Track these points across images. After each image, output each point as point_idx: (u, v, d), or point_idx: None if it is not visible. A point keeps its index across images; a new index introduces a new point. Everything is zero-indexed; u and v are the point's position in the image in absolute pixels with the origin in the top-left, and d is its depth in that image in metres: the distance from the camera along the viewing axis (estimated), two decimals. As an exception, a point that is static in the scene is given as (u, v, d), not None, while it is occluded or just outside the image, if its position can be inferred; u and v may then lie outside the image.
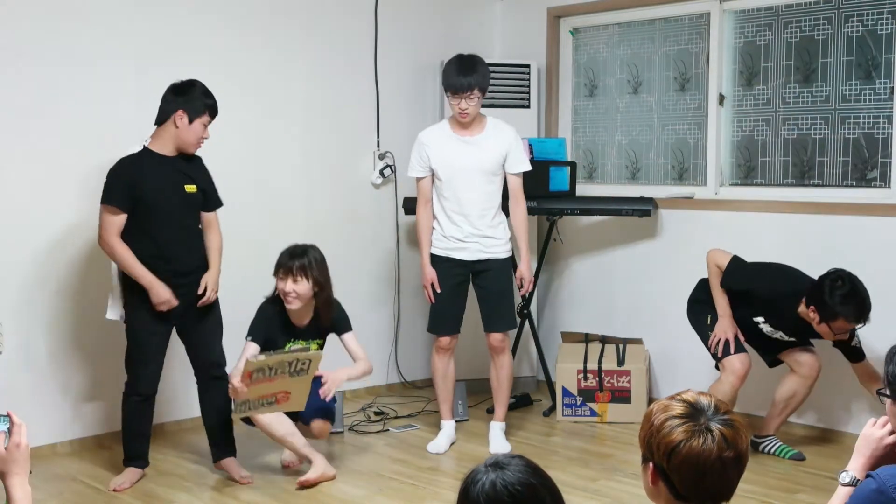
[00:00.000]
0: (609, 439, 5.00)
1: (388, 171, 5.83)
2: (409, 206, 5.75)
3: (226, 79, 5.14)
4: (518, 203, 4.76)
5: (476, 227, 4.69)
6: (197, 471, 4.47)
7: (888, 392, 2.23)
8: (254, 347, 4.29)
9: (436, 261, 4.76)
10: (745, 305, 4.46)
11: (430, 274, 4.76)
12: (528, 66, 5.86)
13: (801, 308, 4.25)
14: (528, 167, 4.79)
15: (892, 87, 4.70)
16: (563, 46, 6.00)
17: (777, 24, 5.10)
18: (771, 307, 4.42)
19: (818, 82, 4.98)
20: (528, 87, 5.85)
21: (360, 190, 5.78)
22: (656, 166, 5.69)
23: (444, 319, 4.81)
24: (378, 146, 5.83)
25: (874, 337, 4.73)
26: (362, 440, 4.98)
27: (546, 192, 5.42)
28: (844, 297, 4.11)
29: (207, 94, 4.15)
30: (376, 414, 5.33)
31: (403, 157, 5.91)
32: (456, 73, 4.58)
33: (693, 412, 1.90)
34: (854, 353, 4.43)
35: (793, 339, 4.49)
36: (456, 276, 4.77)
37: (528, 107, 5.80)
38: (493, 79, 5.56)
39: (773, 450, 4.50)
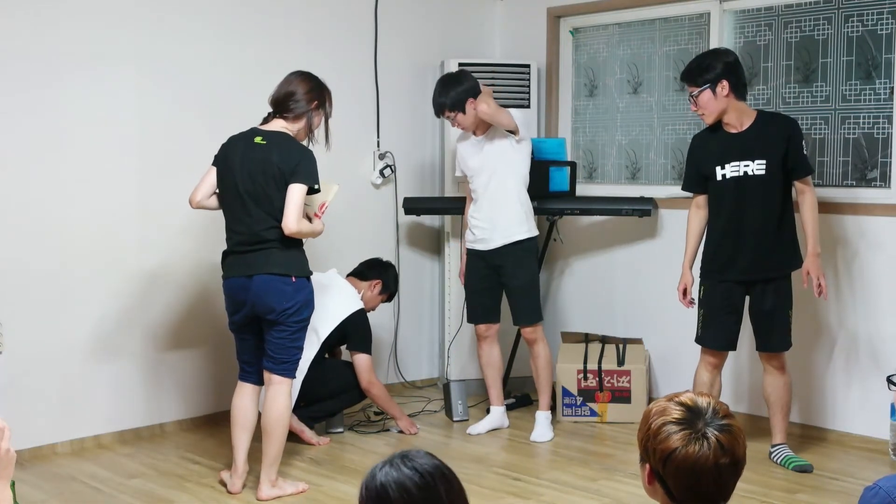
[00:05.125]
0: (609, 439, 5.00)
1: (388, 171, 5.83)
2: (409, 206, 5.76)
3: (225, 80, 5.15)
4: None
5: (490, 216, 4.93)
6: (197, 471, 4.47)
7: None
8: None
9: (467, 253, 5.11)
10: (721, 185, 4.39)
11: (463, 266, 5.16)
12: (528, 66, 5.86)
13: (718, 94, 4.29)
14: (515, 128, 4.83)
15: (892, 87, 4.70)
16: (563, 46, 6.00)
17: (777, 24, 5.10)
18: (731, 143, 4.37)
19: (818, 82, 4.98)
20: (528, 87, 5.84)
21: (360, 190, 5.77)
22: (656, 166, 5.69)
23: (471, 309, 5.15)
24: (378, 146, 5.83)
25: (877, 336, 4.74)
26: (362, 440, 4.98)
27: (546, 192, 5.42)
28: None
29: None
30: (376, 414, 5.33)
31: (403, 157, 5.92)
32: (433, 94, 4.94)
33: (691, 417, 1.89)
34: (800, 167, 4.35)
35: (762, 160, 4.31)
36: (477, 268, 5.03)
37: (528, 107, 5.79)
38: (493, 79, 5.61)
39: (779, 460, 4.48)
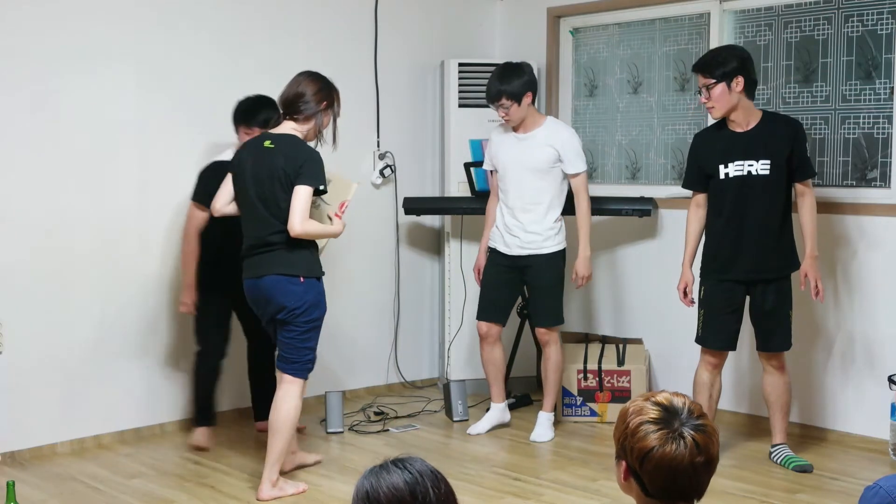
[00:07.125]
0: (609, 439, 4.93)
1: (388, 171, 5.84)
2: (409, 206, 5.75)
3: (226, 80, 5.14)
4: (579, 200, 4.88)
5: (519, 221, 4.86)
6: (197, 471, 4.47)
7: None
8: None
9: (489, 251, 5.02)
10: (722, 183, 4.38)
11: (479, 261, 5.13)
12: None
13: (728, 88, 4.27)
14: (582, 168, 4.86)
15: (892, 87, 4.70)
16: (563, 46, 6.00)
17: (777, 24, 5.10)
18: (733, 143, 4.36)
19: (818, 82, 4.98)
20: (528, 87, 5.84)
21: (361, 190, 5.74)
22: (656, 166, 5.69)
23: (480, 305, 5.06)
24: (378, 146, 5.83)
25: (877, 335, 4.74)
26: (362, 440, 4.98)
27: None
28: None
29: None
30: (376, 414, 5.33)
31: (403, 157, 5.92)
32: (491, 80, 4.80)
33: (667, 417, 1.94)
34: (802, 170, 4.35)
35: (767, 160, 4.30)
36: (498, 266, 4.97)
37: (528, 107, 5.79)
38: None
39: (779, 460, 4.48)
